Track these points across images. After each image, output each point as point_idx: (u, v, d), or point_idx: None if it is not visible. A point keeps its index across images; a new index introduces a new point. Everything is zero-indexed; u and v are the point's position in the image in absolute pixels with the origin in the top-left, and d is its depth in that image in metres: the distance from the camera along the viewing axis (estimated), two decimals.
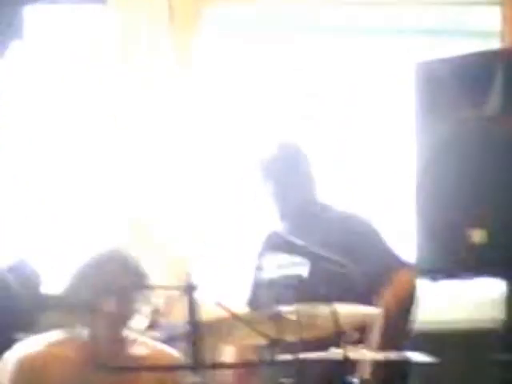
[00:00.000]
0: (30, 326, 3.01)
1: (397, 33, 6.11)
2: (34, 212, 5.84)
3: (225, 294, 5.17)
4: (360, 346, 4.57)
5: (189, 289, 4.01)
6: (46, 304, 3.60)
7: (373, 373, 4.72)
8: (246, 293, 5.17)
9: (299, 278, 4.91)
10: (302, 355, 4.28)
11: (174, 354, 4.59)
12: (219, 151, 5.86)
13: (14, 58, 2.89)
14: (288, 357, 4.28)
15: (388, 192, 5.83)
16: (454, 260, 4.83)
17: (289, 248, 4.88)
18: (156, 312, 4.57)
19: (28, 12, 2.96)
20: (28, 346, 4.47)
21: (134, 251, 4.77)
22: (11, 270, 2.99)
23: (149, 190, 5.82)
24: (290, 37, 6.02)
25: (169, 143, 5.79)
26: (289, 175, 5.11)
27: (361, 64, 6.05)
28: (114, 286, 4.58)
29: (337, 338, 4.25)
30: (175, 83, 5.79)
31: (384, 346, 4.76)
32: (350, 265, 4.72)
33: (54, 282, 3.28)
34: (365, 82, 6.02)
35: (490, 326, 5.24)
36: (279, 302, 4.49)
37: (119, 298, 4.55)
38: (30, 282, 3.09)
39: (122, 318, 4.60)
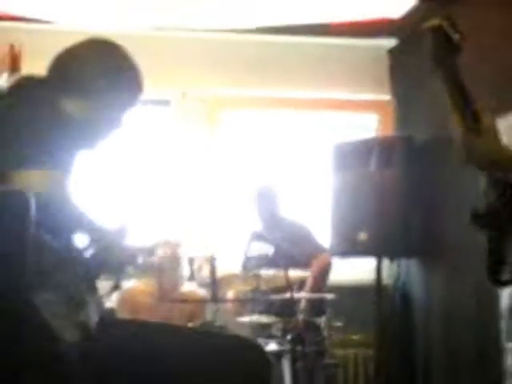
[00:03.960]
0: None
1: (323, 128, 6.19)
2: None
3: (230, 262, 5.22)
4: (299, 292, 4.96)
5: (211, 259, 4.45)
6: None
7: (307, 305, 4.91)
8: (240, 262, 5.36)
9: (267, 255, 5.17)
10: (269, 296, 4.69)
11: (203, 293, 4.95)
12: (234, 185, 5.90)
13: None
14: (262, 296, 4.70)
15: (317, 211, 5.90)
16: (351, 248, 5.29)
17: (263, 240, 5.20)
18: (193, 270, 4.69)
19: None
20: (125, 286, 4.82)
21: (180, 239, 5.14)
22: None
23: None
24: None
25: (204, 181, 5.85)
26: (265, 201, 5.32)
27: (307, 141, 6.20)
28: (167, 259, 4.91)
29: (287, 287, 4.47)
30: (207, 153, 5.88)
31: (312, 291, 5.04)
32: (295, 249, 4.99)
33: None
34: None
35: (368, 282, 5.37)
36: (257, 268, 4.81)
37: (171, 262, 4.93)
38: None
39: (175, 272, 4.93)
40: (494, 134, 2.22)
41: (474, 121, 2.20)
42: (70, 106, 2.42)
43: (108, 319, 2.54)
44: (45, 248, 2.22)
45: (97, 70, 2.46)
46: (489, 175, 2.38)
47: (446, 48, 2.18)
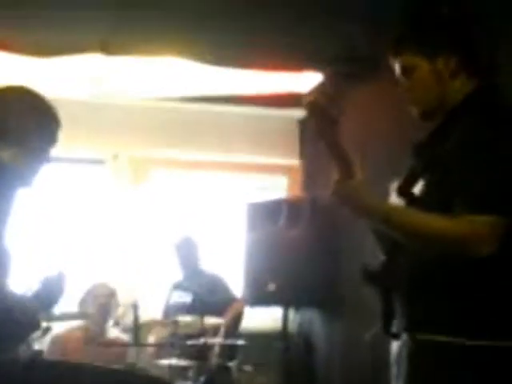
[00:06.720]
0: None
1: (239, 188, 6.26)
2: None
3: (152, 309, 5.29)
4: (214, 337, 4.99)
5: (135, 306, 4.47)
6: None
7: (220, 349, 4.89)
8: (161, 309, 5.38)
9: (186, 303, 5.22)
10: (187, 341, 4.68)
11: (126, 339, 4.90)
12: (158, 239, 5.92)
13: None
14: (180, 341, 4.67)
15: (231, 264, 5.86)
16: (261, 298, 5.24)
17: (182, 289, 5.25)
18: (118, 316, 4.79)
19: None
20: (58, 330, 4.73)
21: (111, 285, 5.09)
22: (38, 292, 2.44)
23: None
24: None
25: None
26: (185, 253, 5.41)
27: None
28: (102, 303, 4.89)
29: (203, 333, 4.59)
30: (135, 208, 5.91)
31: (225, 337, 5.05)
32: (211, 298, 5.04)
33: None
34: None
35: (275, 330, 5.24)
36: (176, 314, 4.84)
37: (103, 309, 4.90)
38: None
39: (103, 318, 4.93)
40: (361, 183, 2.21)
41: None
42: (7, 154, 2.41)
43: (38, 360, 2.49)
44: None
45: (30, 120, 2.46)
46: (374, 233, 2.39)
47: (323, 121, 2.13)
